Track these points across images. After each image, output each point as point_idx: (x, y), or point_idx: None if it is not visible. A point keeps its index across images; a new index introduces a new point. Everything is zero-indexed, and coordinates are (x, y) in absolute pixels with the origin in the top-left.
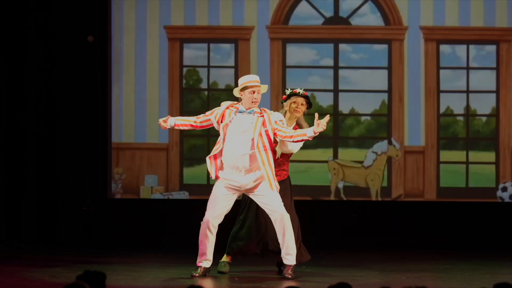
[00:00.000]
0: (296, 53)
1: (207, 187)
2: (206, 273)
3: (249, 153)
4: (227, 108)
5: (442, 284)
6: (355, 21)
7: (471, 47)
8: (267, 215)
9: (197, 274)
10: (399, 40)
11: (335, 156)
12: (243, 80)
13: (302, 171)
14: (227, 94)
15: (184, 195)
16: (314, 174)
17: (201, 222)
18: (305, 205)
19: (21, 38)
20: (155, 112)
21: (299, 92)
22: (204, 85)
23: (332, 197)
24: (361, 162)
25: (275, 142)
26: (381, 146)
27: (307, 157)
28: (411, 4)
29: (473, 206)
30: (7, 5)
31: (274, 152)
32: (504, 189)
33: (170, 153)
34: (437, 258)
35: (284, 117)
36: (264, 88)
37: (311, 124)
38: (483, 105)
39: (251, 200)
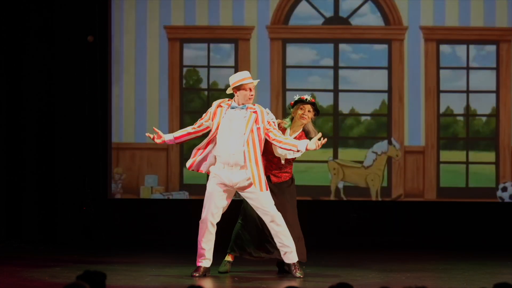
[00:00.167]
0: (296, 53)
1: None
2: (206, 273)
3: (242, 149)
4: (218, 106)
5: (442, 284)
6: (355, 21)
7: (471, 47)
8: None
9: (197, 274)
10: (399, 40)
11: (335, 156)
12: (236, 78)
13: (302, 171)
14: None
15: (184, 195)
16: (314, 174)
17: (200, 222)
18: (305, 205)
19: (21, 38)
20: (155, 112)
21: (306, 99)
22: (204, 85)
23: (332, 197)
24: (361, 162)
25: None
26: (381, 146)
27: (307, 157)
28: (411, 4)
29: (473, 206)
30: (7, 5)
31: (270, 153)
32: (504, 189)
33: (170, 153)
34: (437, 258)
35: (291, 123)
36: (255, 82)
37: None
38: (483, 105)
39: None
